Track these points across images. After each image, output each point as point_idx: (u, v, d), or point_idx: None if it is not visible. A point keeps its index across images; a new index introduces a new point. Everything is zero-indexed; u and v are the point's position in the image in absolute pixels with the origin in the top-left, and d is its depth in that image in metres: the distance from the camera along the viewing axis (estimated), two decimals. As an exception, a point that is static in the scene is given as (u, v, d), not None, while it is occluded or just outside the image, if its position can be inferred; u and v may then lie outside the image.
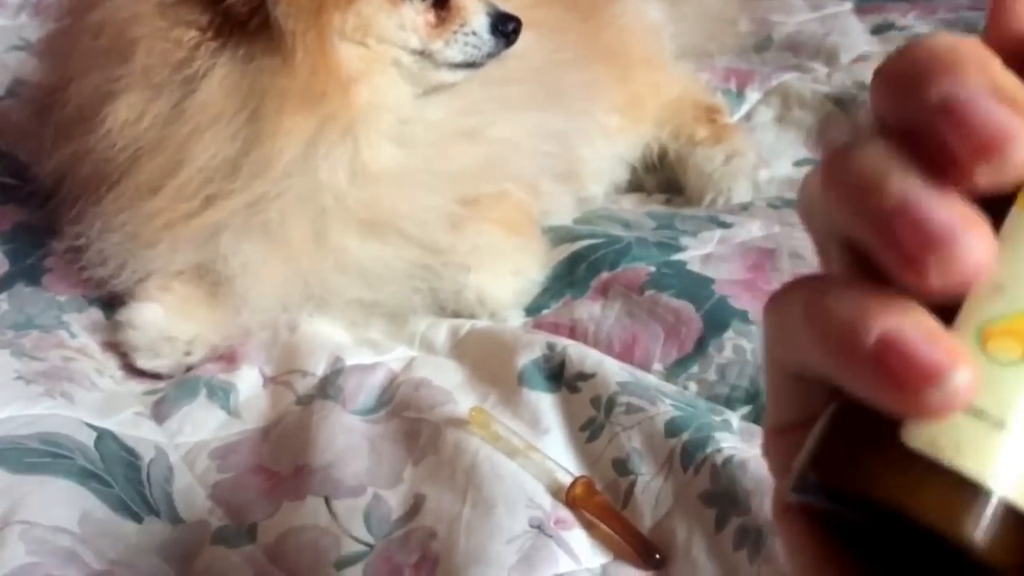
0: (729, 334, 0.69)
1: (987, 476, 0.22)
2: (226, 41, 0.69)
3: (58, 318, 0.78)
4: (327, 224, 0.75)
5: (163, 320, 0.76)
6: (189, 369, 0.76)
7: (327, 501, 0.58)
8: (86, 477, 0.60)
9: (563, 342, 0.69)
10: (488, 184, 0.82)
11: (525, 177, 0.86)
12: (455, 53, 0.76)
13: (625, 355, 0.69)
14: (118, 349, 0.77)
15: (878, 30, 1.24)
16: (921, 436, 0.22)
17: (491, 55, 0.77)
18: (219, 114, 0.70)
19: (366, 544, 0.55)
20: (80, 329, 0.78)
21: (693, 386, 0.68)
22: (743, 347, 0.68)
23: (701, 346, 0.69)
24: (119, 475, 0.62)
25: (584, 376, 0.66)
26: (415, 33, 0.74)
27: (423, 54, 0.75)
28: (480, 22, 0.76)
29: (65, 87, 0.75)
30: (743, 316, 0.71)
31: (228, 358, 0.76)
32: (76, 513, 0.57)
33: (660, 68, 1.05)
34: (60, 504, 0.57)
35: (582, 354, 0.68)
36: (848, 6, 1.31)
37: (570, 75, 0.93)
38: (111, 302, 0.80)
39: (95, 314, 0.80)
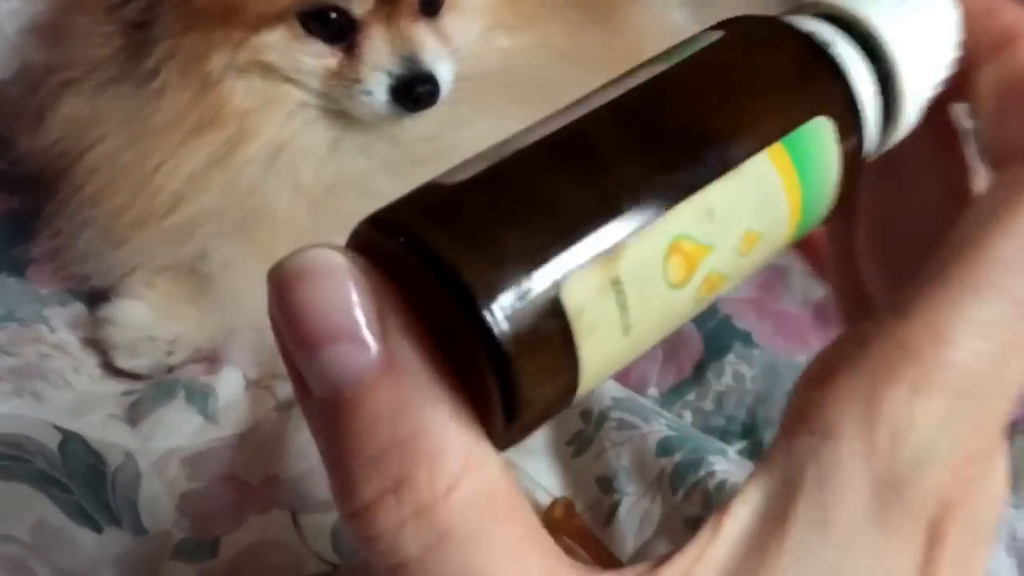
0: (730, 358, 0.66)
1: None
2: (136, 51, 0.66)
3: (38, 312, 0.75)
4: (303, 226, 0.71)
5: (146, 318, 0.73)
6: (171, 370, 0.73)
7: (294, 516, 0.55)
8: (45, 482, 0.57)
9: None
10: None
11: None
12: (352, 105, 0.68)
13: (621, 376, 0.66)
14: (98, 346, 0.74)
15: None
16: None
17: (387, 119, 0.68)
18: (125, 124, 0.67)
19: (330, 564, 0.52)
20: (61, 324, 0.75)
21: (688, 415, 0.65)
22: (743, 374, 0.65)
23: (700, 370, 0.66)
24: (81, 481, 0.59)
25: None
26: (313, 76, 0.68)
27: (327, 97, 0.69)
28: (378, 83, 0.66)
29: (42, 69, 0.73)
30: (746, 338, 0.67)
31: (212, 360, 0.73)
32: (30, 520, 0.55)
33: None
34: (13, 510, 0.55)
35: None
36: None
37: (578, 89, 0.89)
38: (95, 297, 0.77)
39: (78, 309, 0.77)
